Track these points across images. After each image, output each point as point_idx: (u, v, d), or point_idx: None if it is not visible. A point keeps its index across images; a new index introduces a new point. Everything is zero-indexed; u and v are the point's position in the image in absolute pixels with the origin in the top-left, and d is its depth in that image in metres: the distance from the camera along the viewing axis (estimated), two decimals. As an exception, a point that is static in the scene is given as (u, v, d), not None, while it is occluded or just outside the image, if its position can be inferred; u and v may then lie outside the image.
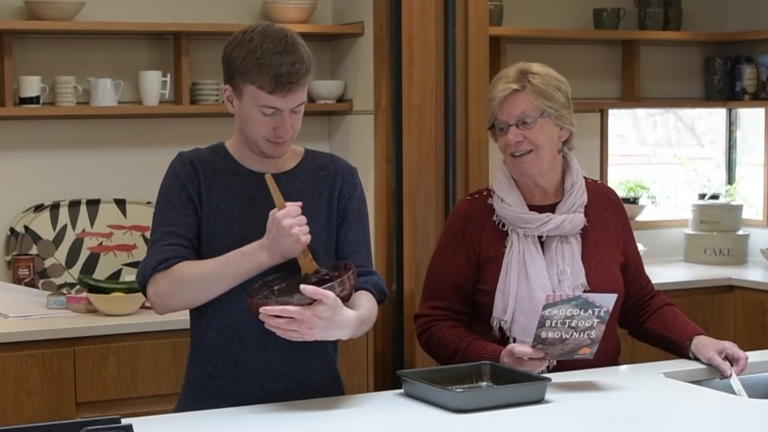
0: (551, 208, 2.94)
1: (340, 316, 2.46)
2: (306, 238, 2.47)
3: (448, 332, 2.92)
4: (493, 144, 3.03)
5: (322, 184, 2.69)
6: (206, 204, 2.61)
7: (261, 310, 2.41)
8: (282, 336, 2.45)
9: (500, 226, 2.95)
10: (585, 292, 2.85)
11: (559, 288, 2.85)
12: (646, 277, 3.13)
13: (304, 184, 2.67)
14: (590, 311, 2.64)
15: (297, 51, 2.53)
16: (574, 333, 2.65)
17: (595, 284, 2.89)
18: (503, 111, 2.88)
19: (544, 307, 2.63)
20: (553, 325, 2.63)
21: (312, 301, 2.41)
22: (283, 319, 2.40)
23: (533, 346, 2.67)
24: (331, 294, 2.43)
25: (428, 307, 2.99)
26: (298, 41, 2.56)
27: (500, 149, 2.94)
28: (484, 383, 2.69)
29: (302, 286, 2.41)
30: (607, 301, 2.67)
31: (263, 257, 2.50)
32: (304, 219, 2.48)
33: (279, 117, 2.55)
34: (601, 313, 2.65)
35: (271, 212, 2.48)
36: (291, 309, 2.40)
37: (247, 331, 2.60)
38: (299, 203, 2.50)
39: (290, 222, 2.45)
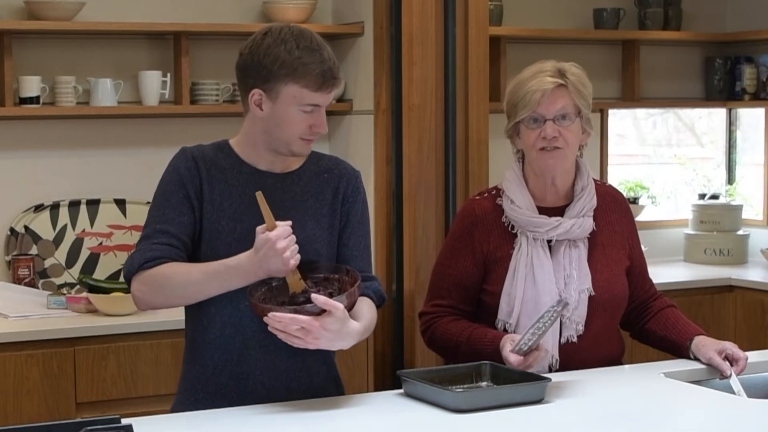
0: (560, 211, 2.93)
1: (347, 329, 2.46)
2: (294, 262, 2.46)
3: (450, 326, 2.92)
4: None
5: (326, 186, 2.68)
6: (208, 202, 2.60)
7: (270, 315, 2.41)
8: (285, 341, 2.45)
9: (509, 228, 2.94)
10: (590, 296, 2.87)
11: (565, 292, 2.85)
12: (650, 279, 3.12)
13: (308, 185, 2.67)
14: (549, 312, 2.67)
15: (326, 47, 2.57)
16: (544, 332, 2.68)
17: (600, 288, 2.89)
18: (544, 104, 2.85)
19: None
20: (527, 339, 2.67)
21: (321, 311, 2.42)
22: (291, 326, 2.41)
23: (521, 354, 2.70)
24: (340, 306, 2.43)
25: (432, 305, 2.98)
26: (321, 38, 2.60)
27: (527, 145, 2.89)
28: (484, 383, 2.68)
29: (313, 296, 2.42)
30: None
31: (249, 272, 2.48)
32: (294, 239, 2.46)
33: (317, 113, 2.57)
34: (557, 307, 2.69)
35: (259, 230, 2.45)
36: (301, 318, 2.40)
37: (249, 329, 2.59)
38: (289, 222, 2.47)
39: (283, 245, 2.42)
